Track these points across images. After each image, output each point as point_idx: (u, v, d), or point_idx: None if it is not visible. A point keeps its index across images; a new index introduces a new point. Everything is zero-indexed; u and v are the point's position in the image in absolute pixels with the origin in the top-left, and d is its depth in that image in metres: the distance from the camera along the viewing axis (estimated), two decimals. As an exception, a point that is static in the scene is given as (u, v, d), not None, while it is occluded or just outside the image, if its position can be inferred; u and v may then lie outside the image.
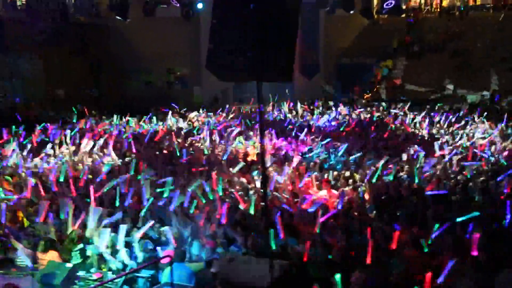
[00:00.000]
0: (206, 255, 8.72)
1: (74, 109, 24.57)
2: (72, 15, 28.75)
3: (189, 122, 22.95)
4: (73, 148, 16.41)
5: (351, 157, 14.69)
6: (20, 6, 28.23)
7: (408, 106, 25.44)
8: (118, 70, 30.39)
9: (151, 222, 9.55)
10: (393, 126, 20.47)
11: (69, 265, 8.43)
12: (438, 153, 14.66)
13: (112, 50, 29.81)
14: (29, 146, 16.33)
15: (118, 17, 26.62)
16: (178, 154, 15.48)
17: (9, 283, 7.80)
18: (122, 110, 24.24)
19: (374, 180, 12.12)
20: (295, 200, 11.02)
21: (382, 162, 13.28)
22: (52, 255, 8.98)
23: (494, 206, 9.97)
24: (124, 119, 22.52)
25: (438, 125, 20.46)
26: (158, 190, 11.42)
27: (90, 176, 12.90)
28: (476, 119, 20.92)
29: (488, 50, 30.49)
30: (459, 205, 10.05)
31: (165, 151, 16.74)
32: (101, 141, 16.76)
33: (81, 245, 8.98)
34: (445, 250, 8.06)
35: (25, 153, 15.64)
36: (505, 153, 14.82)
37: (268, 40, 6.38)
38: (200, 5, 28.23)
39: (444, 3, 34.48)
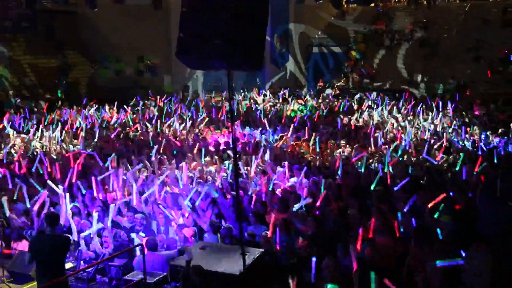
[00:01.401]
0: (179, 244, 8.76)
1: (58, 93, 24.28)
2: (39, 2, 28.12)
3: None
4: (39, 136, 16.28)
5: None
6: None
7: (377, 95, 25.64)
8: (87, 58, 29.94)
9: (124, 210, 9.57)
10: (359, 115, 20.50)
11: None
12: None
13: (81, 37, 29.33)
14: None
15: (87, 4, 26.17)
16: (152, 144, 15.39)
17: None
18: (92, 98, 23.99)
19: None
20: (268, 188, 11.08)
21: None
22: (23, 245, 8.95)
23: (461, 191, 10.18)
24: (93, 108, 22.20)
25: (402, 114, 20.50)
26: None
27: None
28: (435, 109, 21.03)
29: (455, 40, 30.96)
30: (426, 191, 10.23)
31: (136, 140, 16.66)
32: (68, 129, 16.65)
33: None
34: (413, 236, 8.26)
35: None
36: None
37: (237, 29, 6.41)
38: (170, -7, 28.01)
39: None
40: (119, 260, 8.32)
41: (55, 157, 14.41)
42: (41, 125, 17.88)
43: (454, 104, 21.29)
